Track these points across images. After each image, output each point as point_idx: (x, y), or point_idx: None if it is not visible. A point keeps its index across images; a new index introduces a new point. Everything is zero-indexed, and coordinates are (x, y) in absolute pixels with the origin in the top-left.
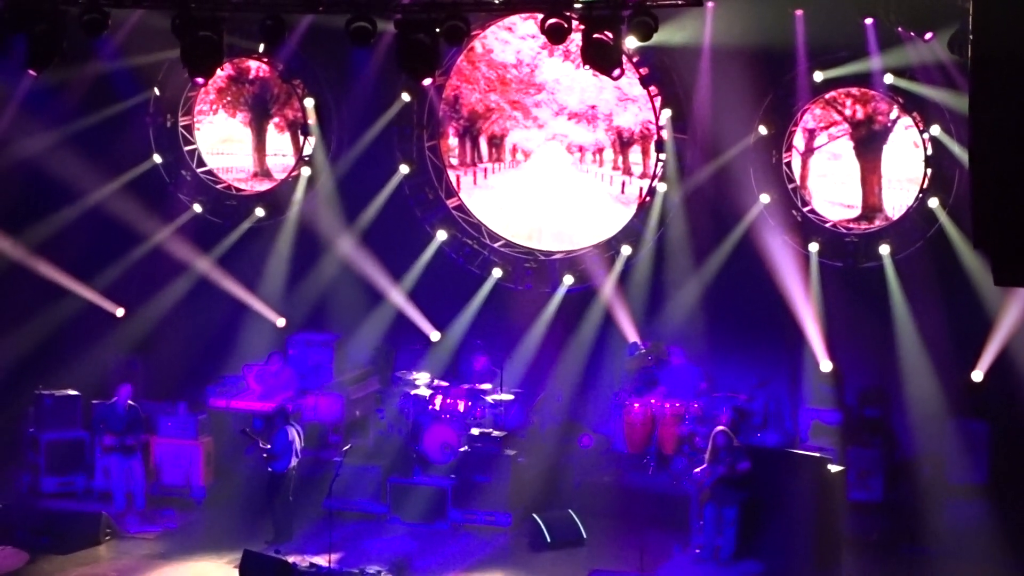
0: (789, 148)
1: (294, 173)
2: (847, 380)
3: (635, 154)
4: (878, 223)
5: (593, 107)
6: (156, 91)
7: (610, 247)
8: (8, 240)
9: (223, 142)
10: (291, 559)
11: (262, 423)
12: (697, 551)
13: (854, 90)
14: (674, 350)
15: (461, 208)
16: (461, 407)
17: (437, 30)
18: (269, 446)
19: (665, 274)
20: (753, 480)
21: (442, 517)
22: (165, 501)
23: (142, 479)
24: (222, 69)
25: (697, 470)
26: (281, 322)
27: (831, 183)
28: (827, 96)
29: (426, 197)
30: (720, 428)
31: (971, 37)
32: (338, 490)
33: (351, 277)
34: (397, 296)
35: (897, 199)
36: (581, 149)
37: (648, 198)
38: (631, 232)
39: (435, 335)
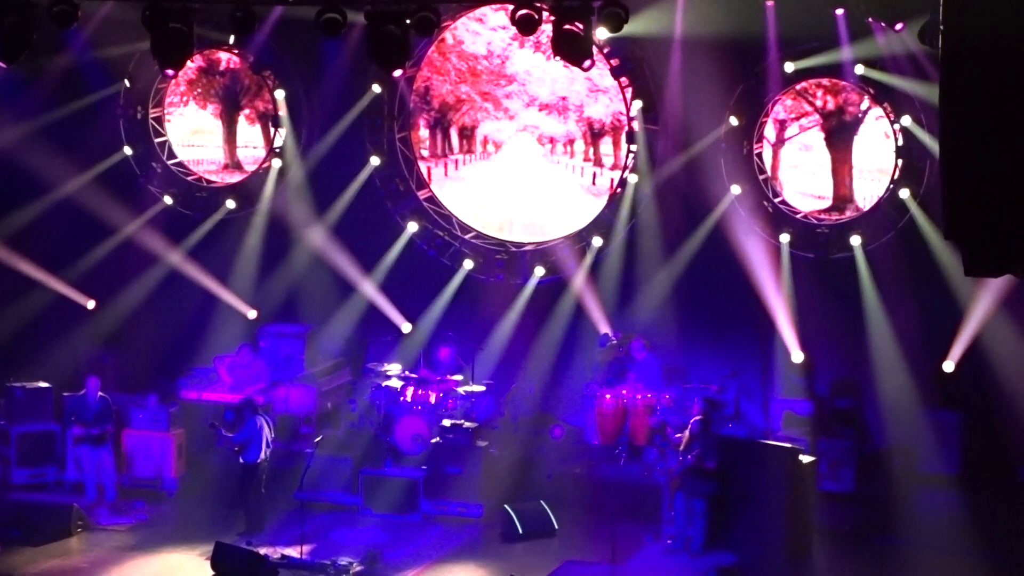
0: (760, 139)
1: (265, 165)
2: (819, 371)
3: (606, 145)
4: (849, 214)
5: (564, 98)
6: (126, 83)
7: (581, 238)
8: None
9: (193, 134)
10: (263, 551)
11: (233, 415)
12: (669, 542)
13: (825, 81)
14: (636, 344)
15: (432, 200)
16: (432, 398)
17: (407, 21)
18: (233, 435)
19: (636, 265)
20: (723, 474)
21: (414, 508)
22: (137, 493)
23: (113, 471)
24: (192, 61)
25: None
26: (252, 314)
27: (802, 174)
28: (798, 87)
29: (397, 189)
30: (697, 417)
31: (942, 27)
32: (310, 482)
33: (322, 269)
34: (368, 288)
35: (868, 190)
36: (552, 140)
37: (619, 189)
38: (602, 223)
39: (406, 327)
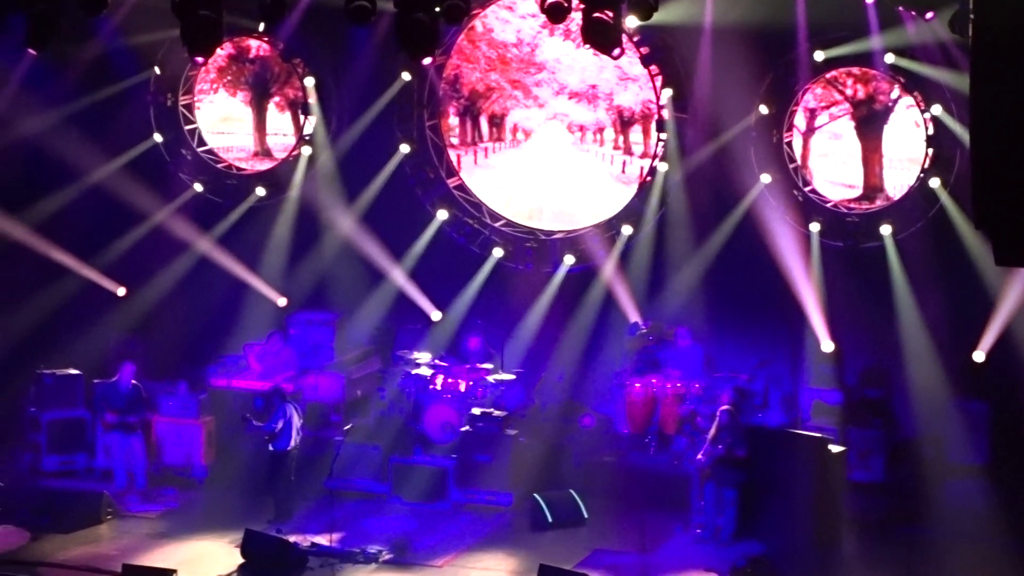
0: (790, 128)
1: (294, 152)
2: (848, 360)
3: (636, 134)
4: (879, 203)
5: (594, 86)
6: (156, 70)
7: (611, 227)
8: (8, 219)
9: (223, 121)
10: (292, 538)
11: (263, 402)
12: (698, 531)
13: (855, 69)
14: (681, 331)
15: (462, 187)
16: (462, 387)
17: (437, 9)
18: (264, 425)
19: (666, 254)
20: (753, 463)
21: (443, 497)
22: (166, 480)
23: (143, 458)
24: (222, 48)
25: (700, 455)
26: (282, 301)
27: (832, 163)
28: (828, 76)
29: (427, 176)
30: (725, 407)
31: (972, 16)
32: (339, 470)
33: (352, 256)
34: (398, 275)
35: (898, 179)
36: (582, 128)
37: (649, 178)
38: (632, 212)
39: (436, 315)
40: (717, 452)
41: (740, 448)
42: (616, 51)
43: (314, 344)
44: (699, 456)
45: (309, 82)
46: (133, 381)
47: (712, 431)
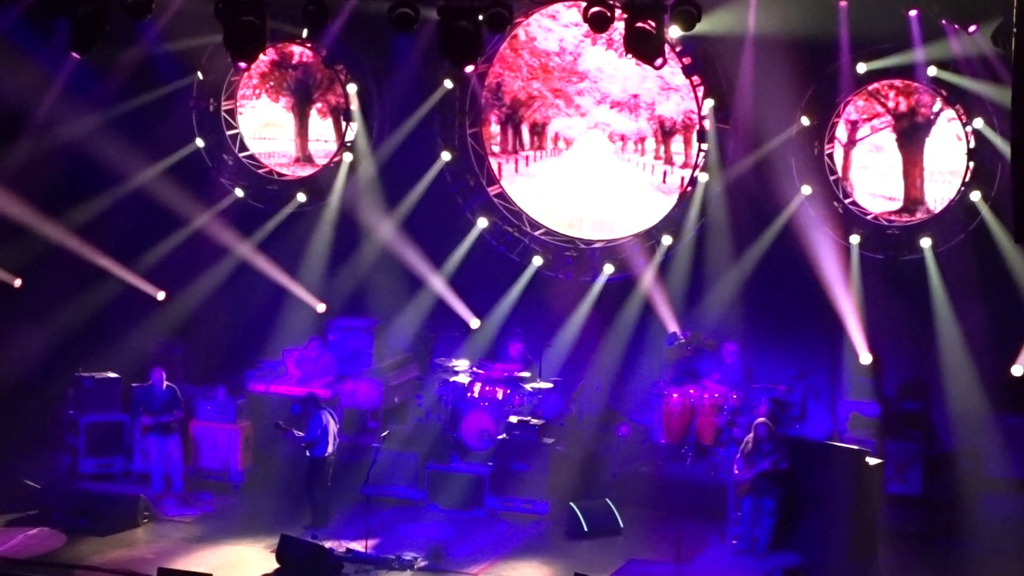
0: (831, 139)
1: (336, 159)
2: (886, 373)
3: (677, 143)
4: (920, 216)
5: (635, 96)
6: (199, 75)
7: (651, 237)
8: (50, 222)
9: (265, 127)
10: (328, 544)
11: (300, 408)
12: (734, 542)
13: (897, 82)
14: (729, 347)
15: (502, 196)
16: (500, 395)
17: (480, 17)
18: (303, 434)
19: (705, 264)
20: (792, 475)
21: (479, 504)
22: (203, 484)
23: (180, 462)
24: (265, 54)
25: (736, 470)
26: (321, 307)
27: (873, 175)
28: (870, 88)
29: (467, 184)
30: (761, 420)
31: (1015, 30)
32: (376, 476)
33: (392, 263)
34: (437, 283)
35: (939, 192)
36: (623, 138)
37: (689, 188)
38: (672, 222)
39: (475, 322)
40: (763, 467)
41: (784, 461)
42: (658, 61)
43: (353, 350)
44: (735, 470)
45: (351, 88)
46: (167, 383)
47: (748, 444)
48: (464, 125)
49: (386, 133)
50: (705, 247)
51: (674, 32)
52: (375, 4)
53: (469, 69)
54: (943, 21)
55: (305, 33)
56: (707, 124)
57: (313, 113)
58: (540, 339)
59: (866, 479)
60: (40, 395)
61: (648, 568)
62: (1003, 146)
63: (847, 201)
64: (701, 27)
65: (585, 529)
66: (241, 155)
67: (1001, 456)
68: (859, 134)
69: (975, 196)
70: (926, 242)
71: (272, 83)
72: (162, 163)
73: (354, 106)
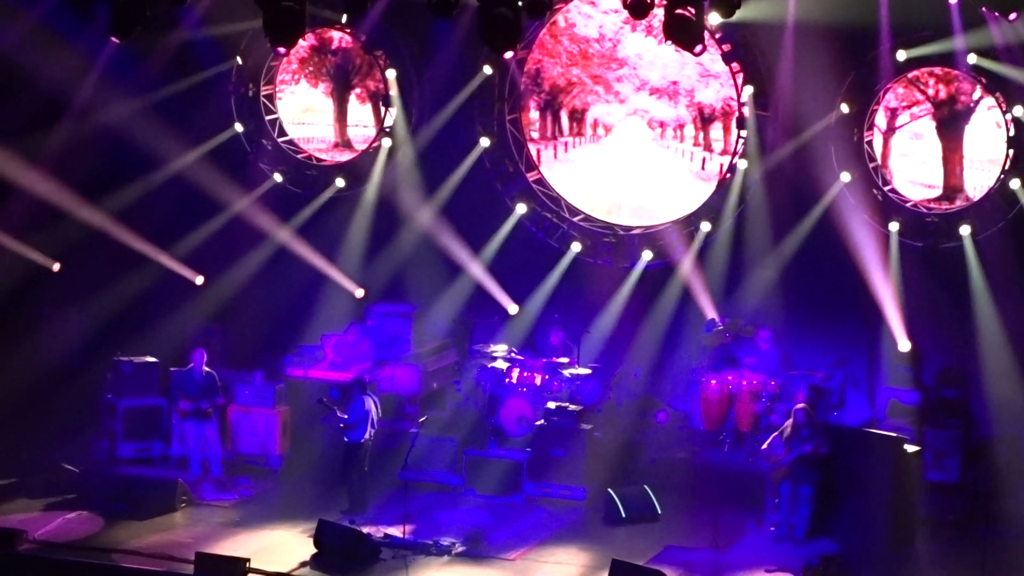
0: (871, 127)
1: (375, 144)
2: (925, 360)
3: (716, 130)
4: (959, 203)
5: (675, 83)
6: (238, 60)
7: (689, 223)
8: (90, 207)
9: (304, 112)
10: (365, 529)
11: (339, 393)
12: (772, 529)
13: (937, 69)
14: (763, 333)
15: (541, 182)
16: (538, 380)
17: (519, 3)
18: (346, 416)
19: (744, 251)
20: (830, 462)
21: (517, 490)
22: (241, 469)
23: (218, 446)
24: (304, 39)
25: (764, 445)
26: (360, 293)
27: (912, 163)
28: (910, 75)
29: (506, 170)
30: (800, 406)
31: None
32: (414, 461)
33: (430, 249)
34: (476, 268)
35: (978, 180)
36: (662, 124)
37: (728, 175)
38: (711, 208)
39: (513, 308)
40: (804, 451)
41: (824, 446)
42: (698, 48)
43: (391, 336)
44: (765, 447)
45: (391, 74)
46: (206, 368)
47: (787, 429)
48: (503, 111)
49: (425, 119)
50: (744, 234)
51: (714, 19)
52: None
53: (508, 55)
54: (983, 9)
55: (344, 18)
56: (746, 111)
57: (352, 98)
58: (579, 325)
59: (904, 467)
60: (79, 379)
61: (686, 555)
62: None
63: (886, 188)
64: (741, 14)
65: (623, 515)
66: (280, 140)
67: None
68: (899, 121)
69: (1015, 184)
70: (965, 230)
71: (311, 68)
72: (201, 148)
73: (393, 92)
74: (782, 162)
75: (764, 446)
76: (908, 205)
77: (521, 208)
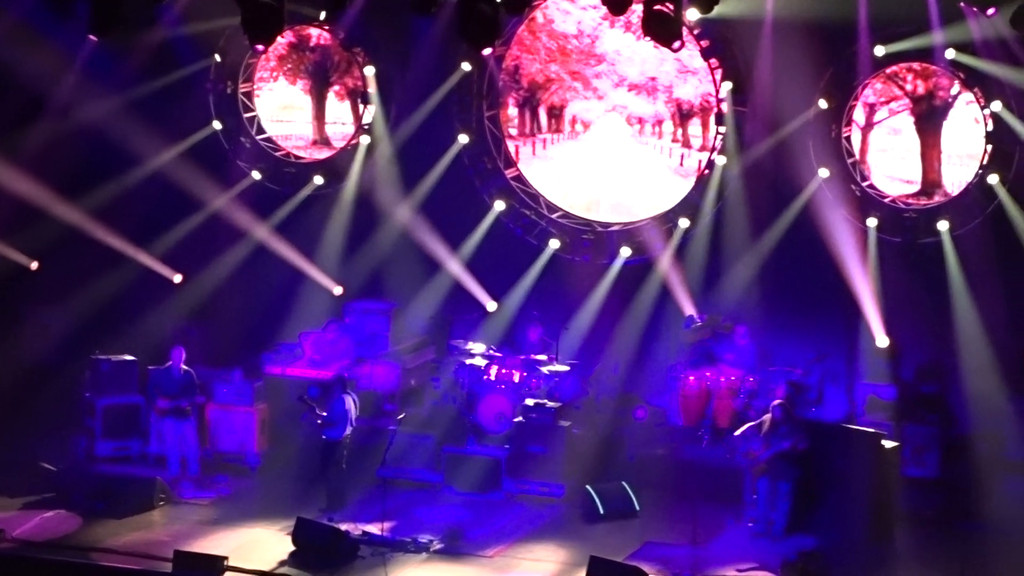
0: (849, 122)
1: (353, 141)
2: (904, 355)
3: (694, 126)
4: (937, 199)
5: (653, 79)
6: (217, 57)
7: (668, 219)
8: (68, 205)
9: (283, 109)
10: (344, 527)
11: (318, 391)
12: (750, 524)
13: (915, 65)
14: (740, 329)
15: (519, 179)
16: (516, 377)
17: (498, 0)
18: (325, 414)
19: (723, 247)
20: (808, 457)
21: (496, 487)
22: (219, 467)
23: (195, 444)
24: (283, 36)
25: (738, 432)
26: (338, 290)
27: (891, 158)
28: (888, 71)
29: (485, 167)
30: (777, 402)
31: None
32: (392, 459)
33: (409, 246)
34: (454, 266)
35: (957, 175)
36: (641, 121)
37: (707, 171)
38: (689, 205)
39: (491, 305)
40: (782, 447)
41: (802, 442)
42: (676, 44)
43: (370, 333)
44: (738, 433)
45: (369, 71)
46: (184, 366)
47: (765, 423)
48: (482, 108)
49: (404, 116)
50: (722, 230)
51: (692, 15)
52: None
53: (487, 52)
54: (962, 4)
55: (323, 15)
56: (725, 107)
57: (331, 96)
58: (557, 322)
59: (883, 462)
60: (57, 378)
61: (664, 551)
62: (1021, 129)
63: (865, 184)
64: (719, 10)
65: (601, 512)
66: (258, 138)
67: (1018, 439)
68: (877, 117)
69: (993, 179)
70: (943, 225)
71: (290, 66)
72: (180, 146)
73: (372, 89)
74: (760, 158)
75: (737, 433)
76: (886, 201)
77: (500, 205)
